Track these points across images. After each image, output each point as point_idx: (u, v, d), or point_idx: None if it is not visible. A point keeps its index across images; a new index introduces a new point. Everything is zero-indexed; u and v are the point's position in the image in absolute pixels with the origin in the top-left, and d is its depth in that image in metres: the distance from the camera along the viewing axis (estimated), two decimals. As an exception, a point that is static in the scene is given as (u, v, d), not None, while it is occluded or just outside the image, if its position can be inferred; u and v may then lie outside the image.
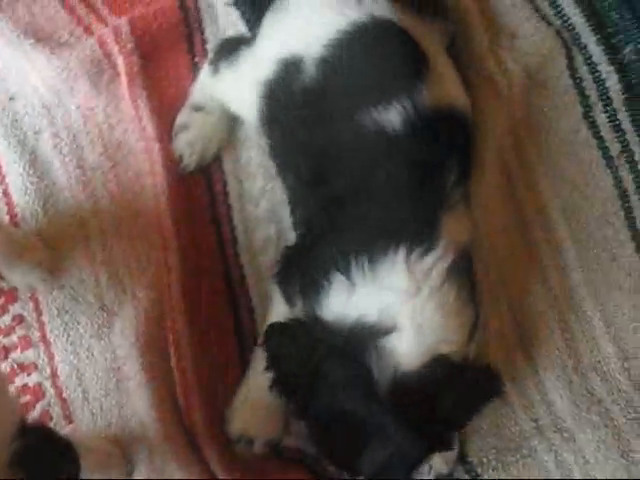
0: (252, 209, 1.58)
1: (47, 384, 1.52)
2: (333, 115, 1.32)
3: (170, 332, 1.50)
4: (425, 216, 1.29)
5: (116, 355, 1.51)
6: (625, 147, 1.59)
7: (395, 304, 1.25)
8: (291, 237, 1.53)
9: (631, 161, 1.58)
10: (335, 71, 1.32)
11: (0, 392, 1.19)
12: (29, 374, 1.53)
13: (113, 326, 1.52)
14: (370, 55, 1.33)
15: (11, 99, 1.60)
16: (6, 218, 1.55)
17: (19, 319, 1.54)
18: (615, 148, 1.59)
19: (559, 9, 1.61)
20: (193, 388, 1.49)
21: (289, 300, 1.41)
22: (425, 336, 1.24)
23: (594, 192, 1.58)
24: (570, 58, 1.60)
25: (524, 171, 1.59)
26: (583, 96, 1.60)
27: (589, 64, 1.60)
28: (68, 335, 1.52)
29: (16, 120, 1.59)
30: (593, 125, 1.59)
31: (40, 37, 1.60)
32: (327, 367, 1.25)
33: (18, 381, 1.52)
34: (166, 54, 1.60)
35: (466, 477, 1.52)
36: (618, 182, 1.58)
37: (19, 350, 1.54)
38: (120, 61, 1.56)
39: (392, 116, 1.29)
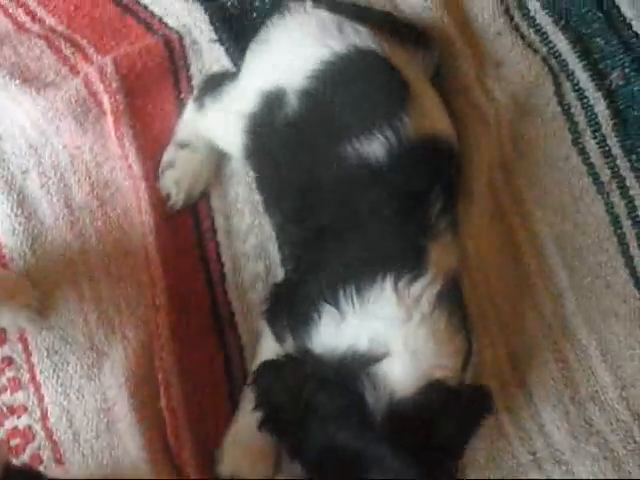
0: (240, 245, 1.57)
1: (37, 427, 1.50)
2: (316, 147, 1.32)
3: (159, 371, 1.49)
4: (412, 245, 1.28)
5: (106, 396, 1.49)
6: (615, 173, 1.58)
7: (386, 331, 1.23)
8: (280, 273, 1.53)
9: (622, 187, 1.58)
10: (317, 103, 1.32)
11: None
12: (19, 416, 1.50)
13: (103, 366, 1.50)
14: (353, 86, 1.32)
15: (-2, 140, 1.60)
16: (-6, 260, 1.55)
17: (8, 361, 1.52)
18: (606, 174, 1.58)
19: (545, 36, 1.61)
20: (183, 428, 1.47)
21: (279, 337, 1.40)
22: (420, 361, 1.23)
23: (586, 219, 1.57)
24: (558, 85, 1.60)
25: (514, 199, 1.58)
26: (572, 122, 1.60)
27: (577, 90, 1.60)
28: (58, 376, 1.50)
29: (3, 160, 1.58)
30: (583, 151, 1.59)
31: (26, 77, 1.61)
32: (317, 400, 1.23)
33: (8, 424, 1.50)
34: (152, 92, 1.61)
35: (463, 512, 1.49)
36: (610, 208, 1.57)
37: (9, 392, 1.51)
38: (105, 100, 1.56)
39: (375, 147, 1.28)
